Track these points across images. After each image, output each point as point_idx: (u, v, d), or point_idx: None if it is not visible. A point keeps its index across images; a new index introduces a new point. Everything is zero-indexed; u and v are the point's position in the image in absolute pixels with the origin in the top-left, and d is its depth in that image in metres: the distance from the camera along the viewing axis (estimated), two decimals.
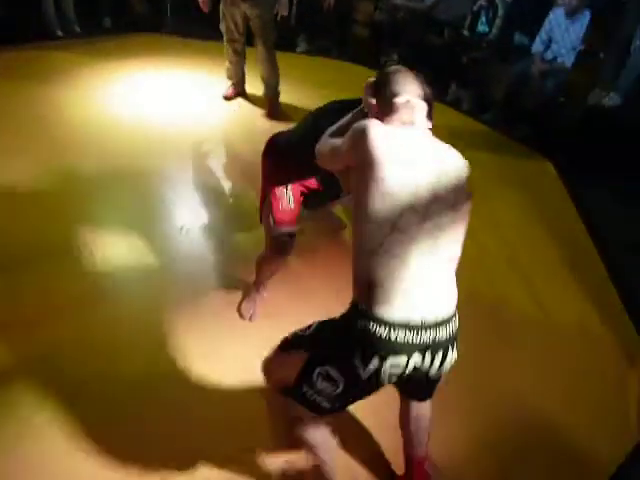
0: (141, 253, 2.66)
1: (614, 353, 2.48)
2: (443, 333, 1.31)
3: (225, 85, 4.31)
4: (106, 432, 1.84)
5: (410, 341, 1.27)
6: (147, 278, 2.54)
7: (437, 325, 1.30)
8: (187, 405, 1.96)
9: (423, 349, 1.30)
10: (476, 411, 2.12)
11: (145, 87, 4.47)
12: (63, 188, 3.04)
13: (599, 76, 4.32)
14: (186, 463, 1.76)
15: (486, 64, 4.64)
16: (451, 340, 1.35)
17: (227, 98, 4.28)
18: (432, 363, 1.33)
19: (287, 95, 4.22)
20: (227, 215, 3.06)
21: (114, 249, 2.66)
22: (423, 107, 1.46)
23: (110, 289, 2.46)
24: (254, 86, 4.29)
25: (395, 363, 1.28)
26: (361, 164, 1.31)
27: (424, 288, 1.30)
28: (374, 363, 1.28)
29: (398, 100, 1.43)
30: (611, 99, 4.28)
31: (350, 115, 1.63)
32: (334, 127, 1.62)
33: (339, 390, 1.35)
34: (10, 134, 3.50)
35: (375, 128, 1.33)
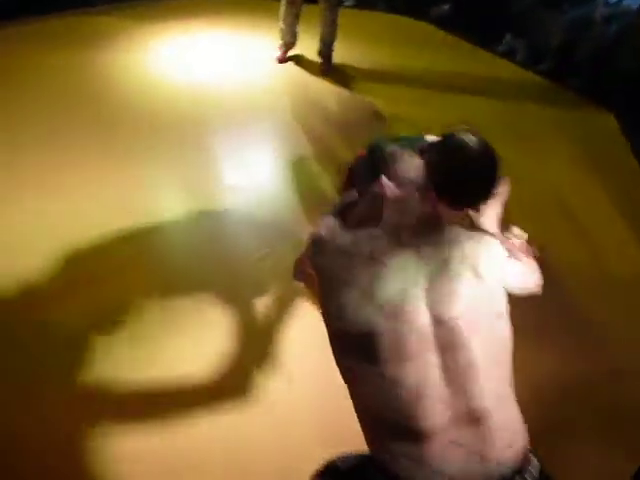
0: (192, 213, 2.74)
1: None
2: None
3: (275, 46, 4.16)
4: None
5: None
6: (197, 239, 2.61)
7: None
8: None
9: None
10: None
11: (193, 50, 4.44)
12: (116, 154, 3.09)
13: None
14: None
15: (540, 11, 4.39)
16: None
17: (280, 61, 4.13)
18: None
19: (337, 52, 4.11)
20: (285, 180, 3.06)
21: (165, 212, 2.73)
22: None
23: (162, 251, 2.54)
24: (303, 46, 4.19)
25: None
26: None
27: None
28: None
29: None
30: None
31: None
32: None
33: None
34: (59, 101, 3.54)
35: None
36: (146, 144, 3.18)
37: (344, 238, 1.15)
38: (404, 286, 1.06)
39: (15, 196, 2.70)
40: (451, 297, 1.06)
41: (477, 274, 1.08)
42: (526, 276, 1.26)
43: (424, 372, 1.03)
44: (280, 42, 4.08)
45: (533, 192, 2.92)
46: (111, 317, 2.18)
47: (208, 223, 2.70)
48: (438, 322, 1.04)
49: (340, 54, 4.08)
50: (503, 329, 1.12)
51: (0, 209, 2.62)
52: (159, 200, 2.80)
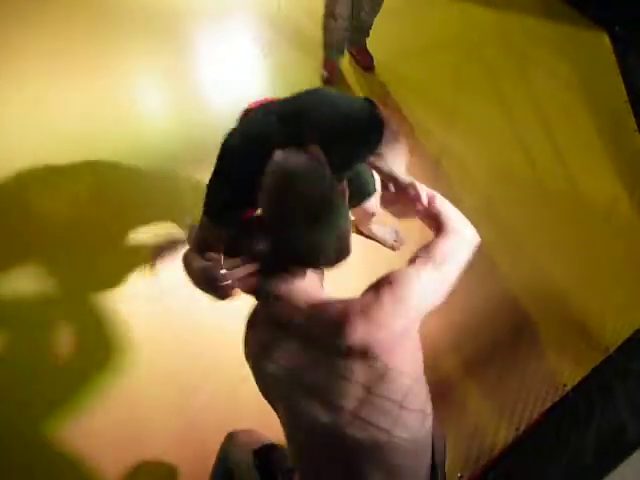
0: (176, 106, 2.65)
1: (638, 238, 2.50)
2: None
3: None
4: None
5: None
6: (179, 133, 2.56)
7: None
8: None
9: None
10: (491, 275, 2.21)
11: None
12: (103, 43, 2.94)
13: None
14: None
15: None
16: None
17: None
18: None
19: None
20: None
21: (151, 104, 2.67)
22: None
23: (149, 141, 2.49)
24: None
25: None
26: None
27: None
28: None
29: None
30: None
31: None
32: None
33: None
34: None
35: None
36: (133, 35, 3.01)
37: None
38: None
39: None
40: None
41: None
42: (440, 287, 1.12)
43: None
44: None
45: (517, 107, 2.91)
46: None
47: (190, 118, 2.63)
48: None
49: None
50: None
51: None
52: (141, 93, 2.73)
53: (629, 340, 2.13)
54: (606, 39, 3.60)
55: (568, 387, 2.02)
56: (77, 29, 2.95)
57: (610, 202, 2.60)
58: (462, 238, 1.20)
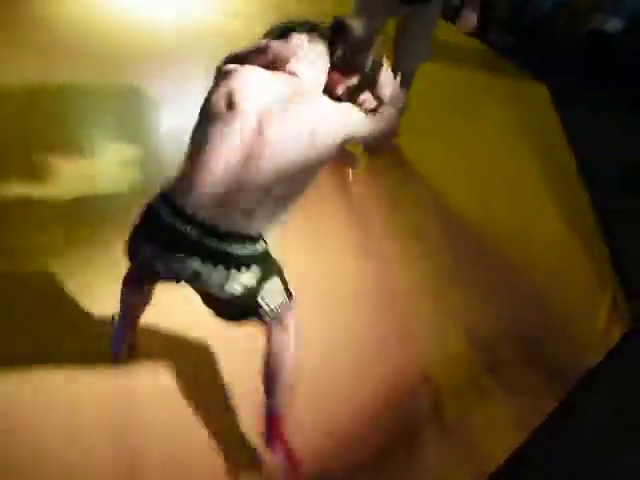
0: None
1: (587, 273, 2.57)
2: (231, 248, 1.28)
3: None
4: None
5: (187, 235, 1.27)
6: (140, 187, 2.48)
7: (221, 235, 1.28)
8: None
9: (205, 257, 1.27)
10: (446, 318, 2.20)
11: None
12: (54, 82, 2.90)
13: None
14: None
15: None
16: (244, 262, 1.30)
17: None
18: (212, 277, 1.28)
19: None
20: None
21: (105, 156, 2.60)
22: None
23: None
24: None
25: (171, 257, 1.29)
26: None
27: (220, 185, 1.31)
28: (151, 249, 1.32)
29: None
30: (613, 24, 4.13)
31: None
32: None
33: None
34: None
35: None
36: (85, 77, 3.00)
37: None
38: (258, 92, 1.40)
39: None
40: (280, 122, 1.36)
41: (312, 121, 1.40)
42: (372, 125, 1.60)
43: (228, 139, 1.33)
44: None
45: (467, 155, 3.00)
46: None
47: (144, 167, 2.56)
48: (259, 124, 1.34)
49: None
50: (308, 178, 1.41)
51: None
52: (94, 140, 2.67)
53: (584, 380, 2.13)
54: (545, 90, 3.81)
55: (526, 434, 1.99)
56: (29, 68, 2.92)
57: (559, 242, 2.67)
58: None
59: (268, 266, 1.38)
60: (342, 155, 2.46)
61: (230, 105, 1.37)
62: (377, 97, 1.75)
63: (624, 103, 3.50)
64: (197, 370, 1.85)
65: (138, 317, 1.74)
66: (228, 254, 1.28)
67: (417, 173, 2.85)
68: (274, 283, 1.40)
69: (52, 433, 1.65)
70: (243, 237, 1.30)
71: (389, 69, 1.79)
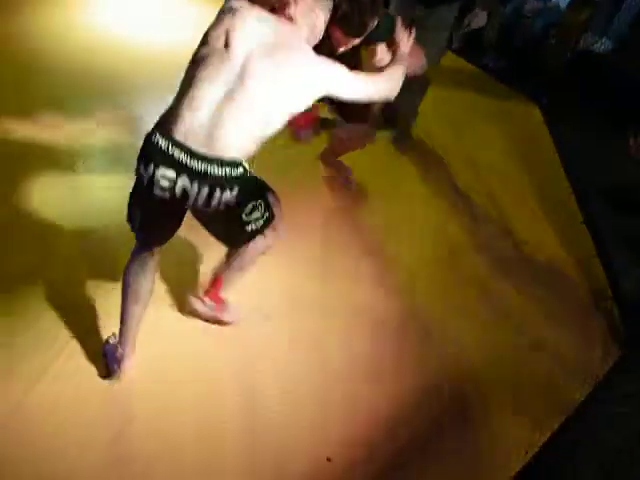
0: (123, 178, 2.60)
1: (581, 291, 2.57)
2: (215, 170, 1.46)
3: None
4: None
5: (177, 157, 1.44)
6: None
7: (207, 159, 1.45)
8: None
9: (192, 176, 1.45)
10: (442, 342, 2.19)
11: (124, 7, 4.23)
12: (39, 106, 2.92)
13: (593, 20, 4.22)
14: None
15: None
16: (227, 182, 1.48)
17: None
18: (199, 193, 1.47)
19: None
20: None
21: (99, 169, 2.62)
22: None
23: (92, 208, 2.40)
24: None
25: (165, 174, 1.45)
26: None
27: (206, 118, 1.46)
28: (149, 169, 1.46)
29: None
30: (603, 44, 4.22)
31: None
32: None
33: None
34: None
35: None
36: (73, 100, 3.03)
37: None
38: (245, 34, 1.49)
39: None
40: (261, 69, 1.47)
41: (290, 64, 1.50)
42: (354, 87, 1.66)
43: (214, 77, 1.46)
44: None
45: (462, 177, 3.03)
46: None
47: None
48: (244, 66, 1.46)
49: None
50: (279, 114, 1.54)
51: None
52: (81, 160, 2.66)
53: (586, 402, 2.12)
54: (537, 110, 3.86)
55: (529, 454, 1.97)
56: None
57: (552, 261, 2.68)
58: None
59: (249, 188, 1.59)
60: (358, 132, 2.47)
61: (226, 44, 1.48)
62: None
63: (613, 121, 3.54)
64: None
65: (137, 322, 1.77)
66: (212, 175, 1.46)
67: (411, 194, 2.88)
68: (256, 204, 1.65)
69: None
70: (225, 162, 1.47)
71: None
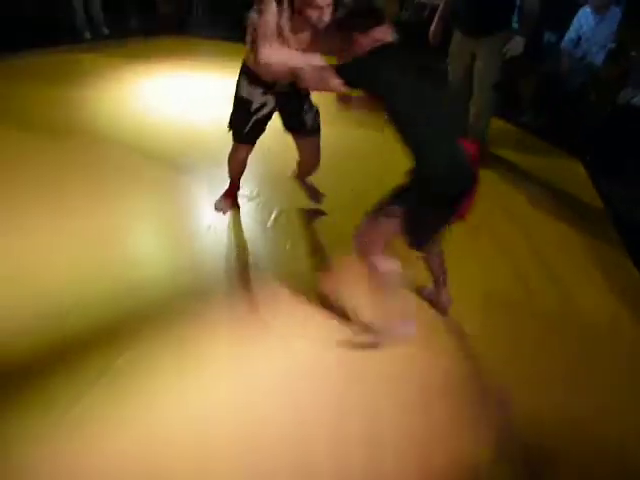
0: (168, 250, 2.70)
1: None
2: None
3: None
4: None
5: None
6: (174, 275, 2.56)
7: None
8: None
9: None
10: (496, 406, 2.09)
11: (174, 87, 4.53)
12: (97, 184, 3.11)
13: (631, 74, 4.23)
14: None
15: (516, 62, 4.59)
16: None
17: None
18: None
19: None
20: (250, 215, 3.08)
21: (142, 247, 2.70)
22: None
23: (137, 285, 2.48)
24: None
25: None
26: None
27: None
28: None
29: None
30: None
31: None
32: None
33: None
34: (41, 134, 3.59)
35: None
36: (126, 179, 3.20)
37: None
38: None
39: None
40: None
41: None
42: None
43: None
44: None
45: (506, 239, 2.98)
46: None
47: (184, 264, 2.64)
48: None
49: None
50: None
51: None
52: (137, 238, 2.80)
53: None
54: (580, 166, 3.82)
55: None
56: (73, 171, 3.16)
57: (610, 321, 2.56)
58: None
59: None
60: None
61: None
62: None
63: None
64: None
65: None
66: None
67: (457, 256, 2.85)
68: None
69: None
70: None
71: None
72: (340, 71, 1.89)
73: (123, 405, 1.92)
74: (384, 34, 1.92)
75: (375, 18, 1.93)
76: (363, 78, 1.88)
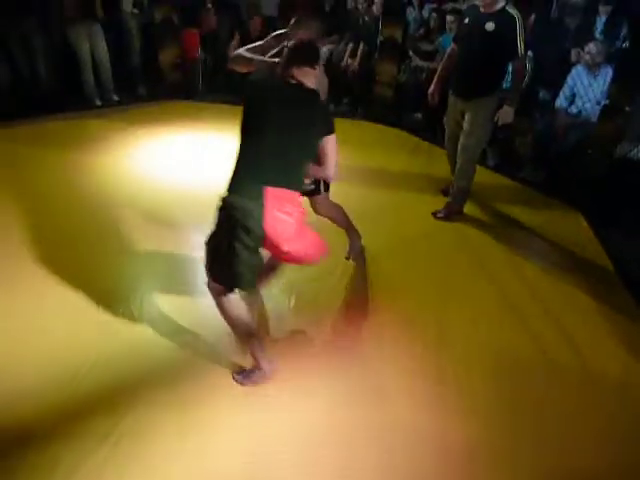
0: (170, 311, 2.69)
1: None
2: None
3: None
4: None
5: None
6: (177, 333, 2.54)
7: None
8: None
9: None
10: (509, 462, 2.00)
11: (177, 151, 4.64)
12: (96, 244, 3.17)
13: (627, 129, 4.30)
14: None
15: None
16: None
17: None
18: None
19: None
20: None
21: (143, 307, 2.70)
22: None
23: (137, 345, 2.46)
24: None
25: None
26: None
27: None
28: None
29: None
30: (639, 151, 4.25)
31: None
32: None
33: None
34: (42, 198, 3.69)
35: None
36: (126, 240, 3.23)
37: None
38: None
39: None
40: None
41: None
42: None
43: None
44: None
45: (512, 292, 2.96)
46: None
47: (186, 326, 2.62)
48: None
49: None
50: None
51: None
52: (137, 299, 2.77)
53: None
54: (581, 218, 3.84)
55: None
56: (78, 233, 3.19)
57: (621, 374, 2.48)
58: None
59: None
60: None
61: None
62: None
63: None
64: None
65: None
66: None
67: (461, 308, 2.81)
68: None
69: None
70: None
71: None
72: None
73: (124, 472, 1.87)
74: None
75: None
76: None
